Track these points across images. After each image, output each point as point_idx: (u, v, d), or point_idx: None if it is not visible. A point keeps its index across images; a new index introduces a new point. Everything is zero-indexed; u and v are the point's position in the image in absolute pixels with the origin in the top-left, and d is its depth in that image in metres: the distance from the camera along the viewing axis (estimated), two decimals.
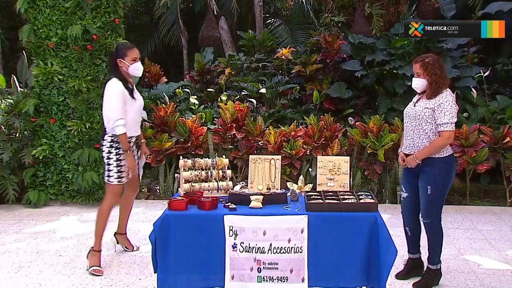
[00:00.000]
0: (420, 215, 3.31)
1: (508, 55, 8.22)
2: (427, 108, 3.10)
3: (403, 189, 3.37)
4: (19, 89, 5.76)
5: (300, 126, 5.90)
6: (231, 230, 2.73)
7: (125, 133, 3.49)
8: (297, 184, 3.15)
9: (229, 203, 2.84)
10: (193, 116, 6.21)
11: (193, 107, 6.95)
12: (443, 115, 3.04)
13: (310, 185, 3.16)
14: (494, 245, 4.17)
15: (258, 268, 2.74)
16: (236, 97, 7.07)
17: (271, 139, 5.49)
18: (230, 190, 3.09)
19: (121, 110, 3.47)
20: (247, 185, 3.14)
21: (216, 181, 3.19)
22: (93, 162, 5.32)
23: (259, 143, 5.67)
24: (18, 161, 5.44)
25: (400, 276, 3.42)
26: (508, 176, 5.38)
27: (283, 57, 7.62)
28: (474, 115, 6.25)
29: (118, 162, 3.59)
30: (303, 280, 2.72)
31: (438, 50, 6.75)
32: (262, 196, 2.85)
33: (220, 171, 3.23)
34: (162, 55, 11.65)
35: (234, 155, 5.64)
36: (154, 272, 2.82)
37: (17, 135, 5.64)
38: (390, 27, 7.55)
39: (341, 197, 2.88)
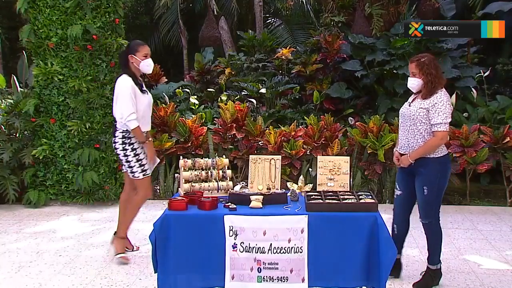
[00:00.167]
0: (410, 215, 3.35)
1: (508, 55, 8.22)
2: (421, 108, 3.10)
3: (397, 187, 3.38)
4: (19, 89, 5.76)
5: (300, 126, 5.90)
6: (231, 230, 2.73)
7: (139, 126, 3.55)
8: (297, 184, 3.15)
9: (229, 203, 2.84)
10: (193, 116, 6.21)
11: (193, 107, 6.95)
12: (437, 115, 3.04)
13: (310, 185, 3.16)
14: (494, 245, 4.17)
15: (258, 268, 2.74)
16: (236, 97, 7.07)
17: (271, 139, 5.49)
18: (230, 190, 3.09)
19: (133, 105, 3.53)
20: (247, 185, 3.14)
21: (216, 181, 3.19)
22: (93, 162, 5.32)
23: (259, 143, 5.67)
24: (18, 161, 5.44)
25: None
26: (508, 176, 5.38)
27: (283, 57, 7.62)
28: (474, 115, 6.25)
29: (137, 156, 3.65)
30: (303, 280, 2.72)
31: (438, 50, 6.76)
32: (262, 196, 2.84)
33: (220, 171, 3.23)
34: (162, 55, 11.65)
35: (234, 155, 5.64)
36: (154, 272, 2.82)
37: (17, 135, 5.64)
38: (390, 27, 7.55)
39: (341, 197, 2.88)
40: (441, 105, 3.04)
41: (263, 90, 6.97)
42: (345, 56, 7.26)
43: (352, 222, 2.71)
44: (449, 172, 3.24)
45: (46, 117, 5.38)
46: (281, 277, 2.73)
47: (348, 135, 5.74)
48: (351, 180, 5.34)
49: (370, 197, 2.90)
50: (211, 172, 3.21)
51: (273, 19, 12.15)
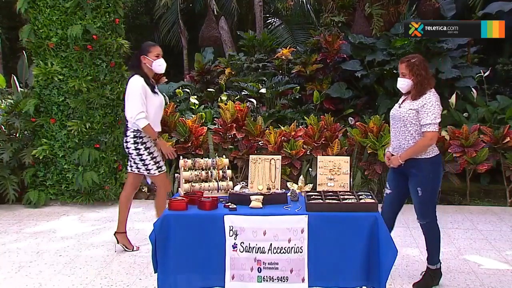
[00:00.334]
0: (397, 215, 3.39)
1: (508, 55, 8.23)
2: (411, 109, 3.11)
3: (387, 186, 3.39)
4: (19, 89, 5.76)
5: (300, 126, 5.90)
6: (231, 230, 2.73)
7: (149, 124, 3.61)
8: (297, 184, 3.15)
9: (229, 203, 2.84)
10: (193, 116, 6.21)
11: (193, 107, 6.95)
12: (426, 116, 3.05)
13: (310, 185, 3.15)
14: (494, 245, 4.17)
15: (258, 268, 2.74)
16: (236, 97, 7.07)
17: (271, 139, 5.49)
18: (230, 190, 3.09)
19: (142, 104, 3.59)
20: (247, 185, 3.14)
21: (216, 181, 3.19)
22: (93, 162, 5.32)
23: (259, 143, 5.67)
24: (18, 161, 5.44)
25: None
26: (508, 176, 5.38)
27: (283, 57, 7.63)
28: (474, 115, 6.25)
29: (151, 154, 3.74)
30: (303, 280, 2.72)
31: (438, 50, 6.76)
32: (262, 196, 2.84)
33: (220, 171, 3.23)
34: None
35: (234, 155, 5.64)
36: (154, 272, 2.82)
37: (17, 135, 5.64)
38: (390, 27, 7.56)
39: (341, 197, 2.88)
40: (430, 105, 3.05)
41: (263, 90, 6.98)
42: (345, 56, 7.26)
43: (352, 222, 2.71)
44: (442, 171, 3.25)
45: (46, 117, 5.38)
46: (281, 277, 2.73)
47: (348, 135, 5.74)
48: (351, 180, 5.34)
49: (370, 197, 2.89)
50: (211, 172, 3.20)
51: (273, 19, 12.16)
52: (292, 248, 2.72)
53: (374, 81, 6.95)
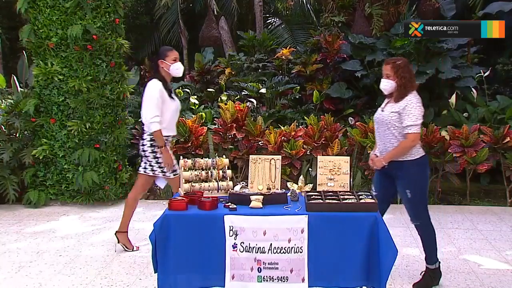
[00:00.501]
0: (384, 215, 3.34)
1: (509, 55, 8.22)
2: (393, 112, 3.12)
3: (373, 188, 3.41)
4: (19, 89, 5.77)
5: (300, 126, 5.90)
6: (231, 230, 2.73)
7: (160, 130, 3.63)
8: (297, 184, 3.15)
9: (229, 203, 2.84)
10: (193, 116, 6.21)
11: (193, 107, 6.95)
12: (407, 118, 3.07)
13: (310, 185, 3.15)
14: (494, 245, 4.17)
15: (258, 268, 2.74)
16: (236, 97, 7.07)
17: (271, 139, 5.49)
18: (230, 190, 3.09)
19: (157, 108, 3.62)
20: (247, 185, 3.14)
21: (216, 181, 3.18)
22: (93, 162, 5.32)
23: (259, 143, 5.67)
24: (18, 161, 5.44)
25: None
26: (508, 176, 5.38)
27: (283, 57, 7.63)
28: (474, 115, 6.25)
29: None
30: (303, 280, 2.72)
31: (438, 50, 6.76)
32: (262, 196, 2.84)
33: (220, 171, 3.22)
34: None
35: (234, 155, 5.64)
36: (154, 272, 2.82)
37: (17, 135, 5.64)
38: (390, 27, 7.55)
39: (341, 197, 2.88)
40: (411, 107, 3.07)
41: (263, 90, 6.98)
42: (345, 56, 7.26)
43: (352, 222, 2.71)
44: (428, 172, 3.27)
45: (46, 117, 5.38)
46: (281, 277, 2.73)
47: (348, 135, 5.74)
48: (351, 180, 5.34)
49: (370, 197, 2.89)
50: (211, 172, 3.20)
51: (273, 19, 12.15)
52: (292, 248, 2.72)
53: (374, 81, 6.94)
